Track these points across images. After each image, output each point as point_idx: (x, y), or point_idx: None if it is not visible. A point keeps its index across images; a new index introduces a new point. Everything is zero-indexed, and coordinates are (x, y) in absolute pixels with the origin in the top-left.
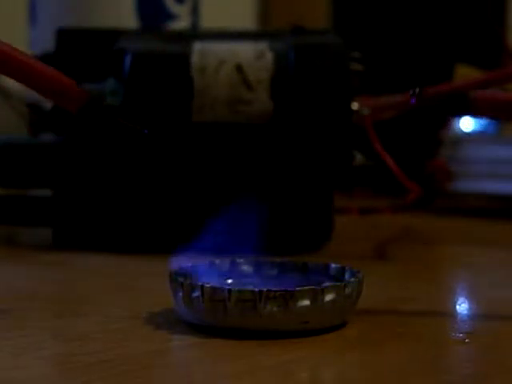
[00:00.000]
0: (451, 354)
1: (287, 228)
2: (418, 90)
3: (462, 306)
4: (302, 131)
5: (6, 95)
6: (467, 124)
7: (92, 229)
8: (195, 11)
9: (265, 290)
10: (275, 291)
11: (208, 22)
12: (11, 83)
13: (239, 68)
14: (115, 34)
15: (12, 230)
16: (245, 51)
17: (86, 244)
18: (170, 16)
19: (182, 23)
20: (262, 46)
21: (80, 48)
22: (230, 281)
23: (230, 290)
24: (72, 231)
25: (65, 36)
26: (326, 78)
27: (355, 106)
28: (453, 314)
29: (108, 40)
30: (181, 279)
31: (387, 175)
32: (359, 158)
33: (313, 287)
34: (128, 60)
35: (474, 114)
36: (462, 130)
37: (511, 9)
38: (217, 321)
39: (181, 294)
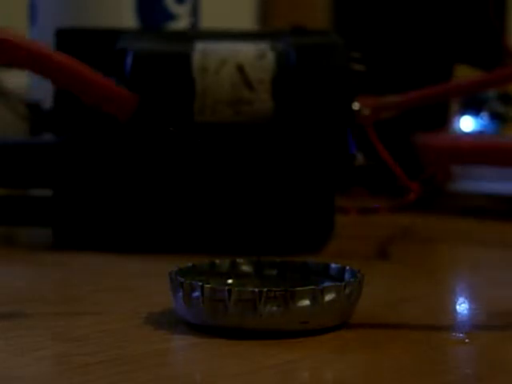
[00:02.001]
0: (451, 354)
1: (288, 227)
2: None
3: (462, 306)
4: (303, 131)
5: (5, 96)
6: (467, 124)
7: (92, 229)
8: (195, 11)
9: (265, 290)
10: (275, 291)
11: (208, 22)
12: (10, 84)
13: (240, 68)
14: (114, 34)
15: (12, 230)
16: (246, 51)
17: (86, 244)
18: (170, 16)
19: (182, 23)
20: (263, 46)
21: (79, 48)
22: (230, 281)
23: (229, 290)
24: (72, 231)
25: (63, 36)
26: (327, 78)
27: (356, 105)
28: (453, 313)
29: (107, 40)
30: (181, 279)
31: (387, 175)
32: (360, 157)
33: (313, 287)
34: (129, 60)
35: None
36: (462, 130)
37: (511, 9)
38: (217, 321)
39: (181, 293)
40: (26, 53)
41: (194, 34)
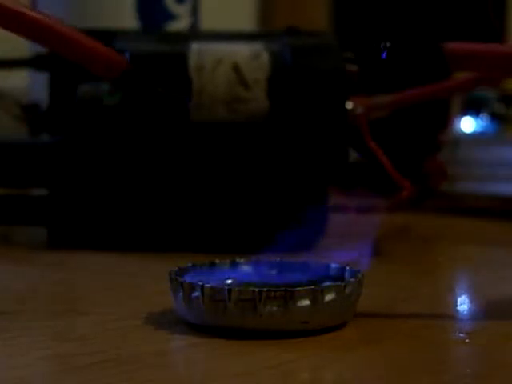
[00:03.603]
0: (451, 353)
1: (281, 225)
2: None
3: (462, 306)
4: (298, 129)
5: (1, 97)
6: (468, 125)
7: (87, 228)
8: (195, 11)
9: (265, 289)
10: (275, 291)
11: (208, 22)
12: (9, 84)
13: (236, 67)
14: (109, 35)
15: (7, 229)
16: (241, 51)
17: (82, 243)
18: (170, 16)
19: (182, 23)
20: (258, 46)
21: None
22: (230, 281)
23: (230, 290)
24: (67, 231)
25: None
26: (321, 78)
27: (349, 105)
28: (453, 313)
29: (102, 41)
30: (181, 279)
31: (381, 173)
32: (354, 156)
33: (313, 287)
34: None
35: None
36: (462, 131)
37: (511, 9)
38: (217, 321)
39: (181, 293)
40: (14, 14)
41: (190, 34)
